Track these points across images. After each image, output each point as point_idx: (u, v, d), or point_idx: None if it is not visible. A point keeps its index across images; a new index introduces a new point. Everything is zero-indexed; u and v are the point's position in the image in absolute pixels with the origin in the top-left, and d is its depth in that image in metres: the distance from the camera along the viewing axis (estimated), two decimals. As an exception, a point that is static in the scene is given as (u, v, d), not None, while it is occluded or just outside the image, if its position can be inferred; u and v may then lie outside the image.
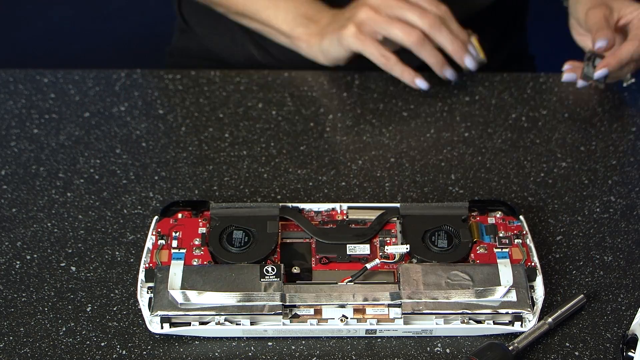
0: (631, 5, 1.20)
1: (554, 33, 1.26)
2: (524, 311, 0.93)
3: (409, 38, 1.16)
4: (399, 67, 1.18)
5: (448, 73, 1.19)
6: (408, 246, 0.97)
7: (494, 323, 0.93)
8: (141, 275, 0.96)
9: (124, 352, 0.93)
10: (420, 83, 1.18)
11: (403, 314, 0.93)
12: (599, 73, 1.17)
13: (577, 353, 0.93)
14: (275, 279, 0.94)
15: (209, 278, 0.94)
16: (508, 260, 0.97)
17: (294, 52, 1.26)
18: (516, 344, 0.92)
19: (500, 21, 1.38)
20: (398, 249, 0.97)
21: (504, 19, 1.40)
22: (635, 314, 0.95)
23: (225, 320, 0.92)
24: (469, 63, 1.18)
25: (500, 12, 1.36)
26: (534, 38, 1.55)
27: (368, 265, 0.96)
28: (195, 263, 0.96)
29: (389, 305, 0.94)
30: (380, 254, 0.98)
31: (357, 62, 1.21)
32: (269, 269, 0.95)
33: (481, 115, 1.19)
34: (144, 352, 0.93)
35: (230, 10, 1.30)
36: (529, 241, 0.99)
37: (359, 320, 0.93)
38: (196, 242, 0.99)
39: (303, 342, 0.94)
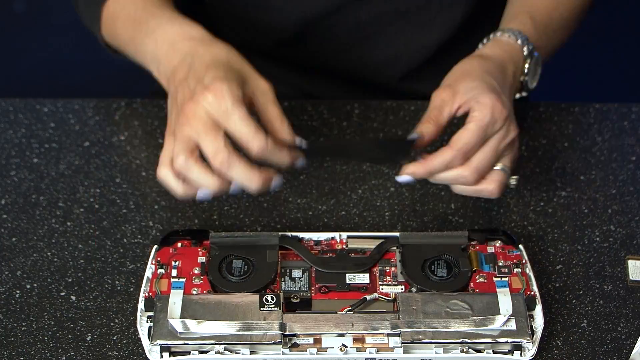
0: (473, 90, 1.01)
1: (550, 63, 1.26)
2: (523, 340, 0.93)
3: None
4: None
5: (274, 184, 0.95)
6: (403, 287, 0.98)
7: (494, 352, 0.93)
8: (141, 305, 0.96)
9: (123, 381, 0.93)
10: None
11: (402, 343, 0.93)
12: (400, 178, 1.01)
13: (577, 382, 0.93)
14: (275, 308, 0.94)
15: (209, 307, 0.94)
16: (507, 289, 0.97)
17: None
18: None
19: None
20: (394, 289, 0.98)
21: None
22: (635, 343, 0.95)
23: (225, 349, 0.92)
24: (274, 185, 0.96)
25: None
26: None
27: (367, 297, 0.96)
28: (194, 292, 0.96)
29: (389, 334, 0.94)
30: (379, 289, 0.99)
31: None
32: (269, 298, 0.95)
33: (480, 145, 1.19)
34: (144, 382, 0.93)
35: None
36: (529, 270, 0.99)
37: (358, 349, 0.93)
38: (196, 271, 0.99)
39: (303, 371, 0.94)
